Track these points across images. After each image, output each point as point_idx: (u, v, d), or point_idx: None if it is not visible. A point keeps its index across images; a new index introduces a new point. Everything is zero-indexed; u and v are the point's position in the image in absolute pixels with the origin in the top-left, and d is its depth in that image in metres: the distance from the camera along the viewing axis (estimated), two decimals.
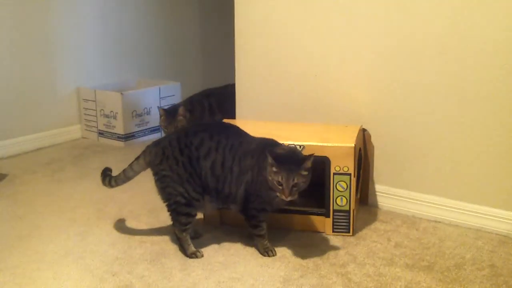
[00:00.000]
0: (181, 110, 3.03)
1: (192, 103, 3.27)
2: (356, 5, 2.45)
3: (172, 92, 3.91)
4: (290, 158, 1.93)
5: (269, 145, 2.03)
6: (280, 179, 1.89)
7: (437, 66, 2.29)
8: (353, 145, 2.17)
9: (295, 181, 1.89)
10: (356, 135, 2.29)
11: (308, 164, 1.92)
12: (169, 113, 3.05)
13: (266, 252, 2.09)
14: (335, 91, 2.59)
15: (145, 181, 2.89)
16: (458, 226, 2.34)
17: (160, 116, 3.11)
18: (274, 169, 1.90)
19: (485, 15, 2.14)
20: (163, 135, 3.15)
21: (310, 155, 1.93)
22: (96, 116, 3.68)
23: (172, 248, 2.16)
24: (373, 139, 2.53)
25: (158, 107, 3.14)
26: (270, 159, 1.91)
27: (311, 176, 1.95)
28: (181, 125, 3.01)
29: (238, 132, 2.14)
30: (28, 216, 2.47)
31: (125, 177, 2.23)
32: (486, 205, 2.28)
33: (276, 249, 2.11)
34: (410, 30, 2.32)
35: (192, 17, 4.60)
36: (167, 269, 1.99)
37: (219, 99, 3.34)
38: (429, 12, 2.27)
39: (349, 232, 2.26)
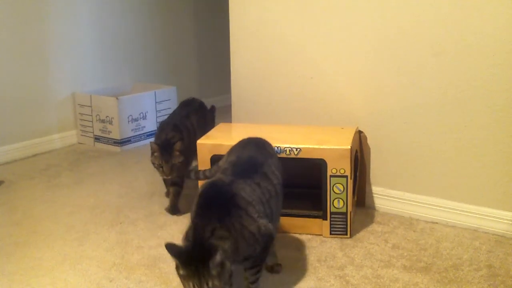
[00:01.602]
0: (178, 145, 2.41)
1: (178, 129, 2.59)
2: (351, 6, 2.45)
3: (168, 96, 3.91)
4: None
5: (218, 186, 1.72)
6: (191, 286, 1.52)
7: (433, 67, 2.29)
8: (349, 147, 2.17)
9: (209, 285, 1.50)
10: (352, 137, 2.29)
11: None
12: (165, 149, 2.41)
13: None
14: (331, 93, 2.59)
15: (142, 186, 2.90)
16: (455, 227, 2.34)
17: (153, 153, 2.43)
18: (181, 271, 1.53)
19: (481, 14, 2.15)
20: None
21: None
22: (92, 121, 3.68)
23: None
24: (369, 141, 2.53)
25: (150, 142, 2.45)
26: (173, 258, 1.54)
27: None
28: (178, 162, 2.43)
29: (249, 155, 1.89)
30: (25, 222, 2.46)
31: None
32: (482, 205, 2.29)
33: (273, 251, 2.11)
34: (406, 31, 2.33)
35: (187, 21, 4.61)
36: (164, 274, 1.99)
37: (198, 117, 2.80)
38: (424, 13, 2.27)
39: (346, 234, 2.26)
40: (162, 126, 2.64)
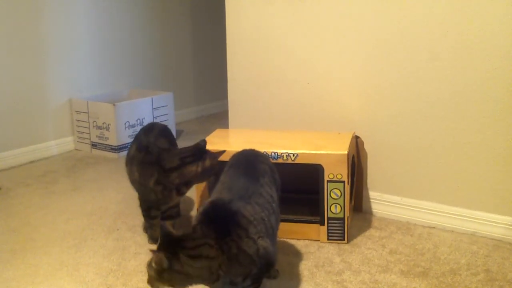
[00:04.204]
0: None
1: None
2: (347, 11, 2.46)
3: (164, 103, 3.91)
4: None
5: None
6: None
7: (429, 71, 2.30)
8: (346, 152, 2.18)
9: None
10: (349, 142, 2.30)
11: None
12: (197, 154, 2.06)
13: None
14: (328, 98, 2.60)
15: None
16: (453, 232, 2.34)
17: (185, 164, 2.04)
18: None
19: (477, 19, 2.16)
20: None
21: None
22: (88, 127, 3.68)
23: None
24: (366, 146, 2.53)
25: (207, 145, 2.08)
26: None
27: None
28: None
29: (242, 180, 1.82)
30: (22, 229, 2.45)
31: None
32: (480, 210, 2.29)
33: None
34: (403, 36, 2.34)
35: (184, 27, 4.61)
36: None
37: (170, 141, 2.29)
38: (420, 18, 2.28)
39: (344, 239, 2.26)
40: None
